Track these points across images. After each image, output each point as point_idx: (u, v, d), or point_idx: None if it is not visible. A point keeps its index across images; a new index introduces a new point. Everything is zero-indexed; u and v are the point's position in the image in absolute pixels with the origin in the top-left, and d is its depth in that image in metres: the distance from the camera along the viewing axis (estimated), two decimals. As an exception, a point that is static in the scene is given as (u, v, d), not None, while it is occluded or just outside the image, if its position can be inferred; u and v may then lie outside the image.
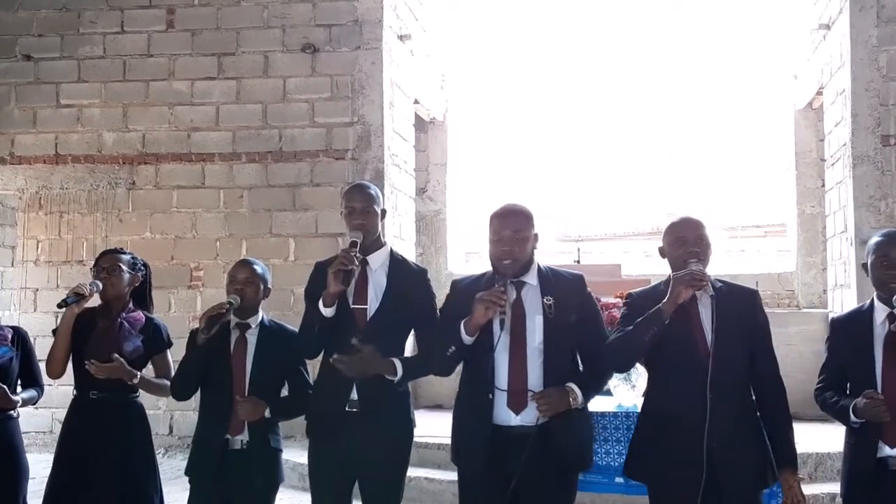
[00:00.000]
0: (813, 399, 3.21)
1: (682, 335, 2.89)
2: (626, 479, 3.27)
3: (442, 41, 9.42)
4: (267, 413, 3.24)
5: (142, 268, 3.75)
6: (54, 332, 3.59)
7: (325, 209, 7.12)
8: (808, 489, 3.84)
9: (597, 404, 3.86)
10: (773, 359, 3.00)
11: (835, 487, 4.93)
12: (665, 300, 2.85)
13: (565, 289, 2.99)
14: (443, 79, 9.45)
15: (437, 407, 6.33)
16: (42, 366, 3.64)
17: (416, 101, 8.49)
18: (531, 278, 2.98)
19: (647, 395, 3.12)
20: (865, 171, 6.59)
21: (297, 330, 3.31)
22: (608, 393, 4.03)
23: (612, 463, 3.82)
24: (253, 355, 3.32)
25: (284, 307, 5.98)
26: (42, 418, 6.90)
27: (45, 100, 7.60)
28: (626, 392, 4.01)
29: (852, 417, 2.96)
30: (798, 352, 6.84)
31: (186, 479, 3.38)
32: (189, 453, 3.47)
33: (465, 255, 9.87)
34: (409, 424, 3.26)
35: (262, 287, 3.39)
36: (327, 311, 3.09)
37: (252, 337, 3.35)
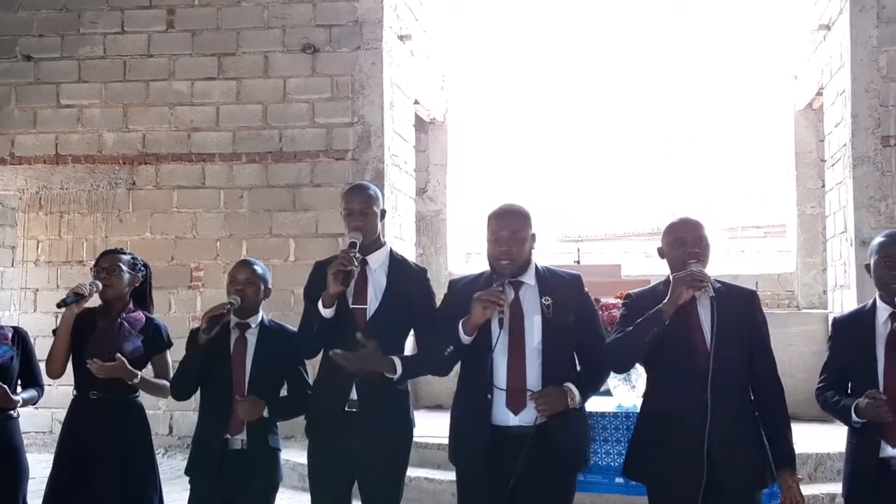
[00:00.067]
0: (813, 399, 3.22)
1: (682, 336, 2.89)
2: (625, 479, 3.27)
3: (442, 41, 9.42)
4: (265, 413, 3.24)
5: (142, 268, 3.75)
6: (54, 332, 3.59)
7: (326, 209, 7.12)
8: (807, 489, 3.85)
9: (597, 404, 3.87)
10: (772, 359, 3.01)
11: (834, 488, 4.94)
12: (665, 301, 2.85)
13: (563, 289, 2.99)
14: (443, 79, 9.45)
15: (437, 407, 6.32)
16: (42, 366, 3.64)
17: (416, 102, 8.49)
18: (529, 278, 2.98)
19: (646, 395, 3.12)
20: (865, 172, 6.59)
21: (296, 330, 3.32)
22: (608, 393, 4.03)
23: (612, 463, 3.81)
24: (253, 355, 3.32)
25: (285, 307, 5.98)
26: (42, 418, 6.90)
27: (46, 100, 7.60)
28: (625, 392, 4.00)
29: (854, 417, 2.97)
30: (798, 352, 6.85)
31: (186, 479, 3.39)
32: (189, 453, 3.47)
33: (465, 255, 9.87)
34: (409, 424, 3.26)
35: (262, 287, 3.39)
36: (326, 312, 3.09)
37: (252, 337, 3.35)
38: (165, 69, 7.51)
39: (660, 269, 3.19)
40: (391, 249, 3.35)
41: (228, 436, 3.25)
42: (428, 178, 9.33)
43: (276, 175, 7.36)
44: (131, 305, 3.66)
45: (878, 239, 3.14)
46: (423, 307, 3.22)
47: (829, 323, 6.74)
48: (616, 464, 3.78)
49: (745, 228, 12.98)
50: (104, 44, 7.57)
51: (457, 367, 3.04)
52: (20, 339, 3.65)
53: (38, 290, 7.47)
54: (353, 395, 3.11)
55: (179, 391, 3.46)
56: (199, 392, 3.41)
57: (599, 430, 3.86)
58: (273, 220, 7.34)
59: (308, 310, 3.21)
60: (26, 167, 7.59)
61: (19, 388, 3.62)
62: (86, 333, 3.55)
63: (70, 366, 3.58)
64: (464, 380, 3.04)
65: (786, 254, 9.18)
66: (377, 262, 3.24)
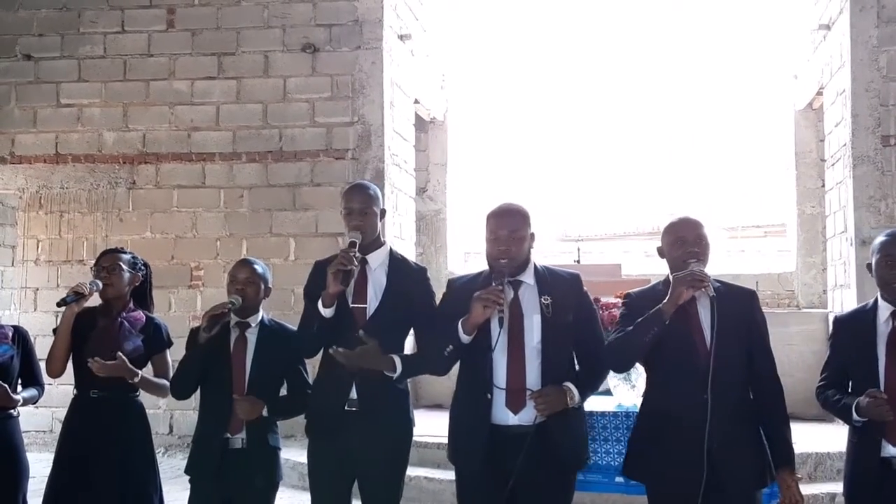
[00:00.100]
0: (813, 399, 3.22)
1: (682, 336, 2.89)
2: (626, 478, 3.27)
3: (442, 41, 9.42)
4: (265, 412, 3.25)
5: (142, 267, 3.75)
6: (55, 331, 3.59)
7: (326, 209, 7.12)
8: (807, 489, 3.85)
9: (597, 404, 3.87)
10: (771, 359, 3.01)
11: (834, 487, 4.94)
12: (666, 300, 2.86)
13: (562, 288, 2.99)
14: (443, 79, 9.45)
15: (437, 406, 6.32)
16: (42, 365, 3.65)
17: (417, 101, 8.49)
18: (528, 277, 2.99)
19: (646, 395, 3.12)
20: (865, 172, 6.59)
21: (296, 329, 3.32)
22: (608, 393, 4.03)
23: (612, 463, 3.81)
24: (253, 354, 3.32)
25: (285, 307, 5.99)
26: (42, 417, 6.91)
27: (46, 99, 7.60)
28: (625, 392, 4.00)
29: (855, 416, 2.97)
30: (798, 352, 6.86)
31: (186, 478, 3.39)
32: (189, 452, 3.47)
33: (465, 254, 9.87)
34: (409, 424, 3.26)
35: (262, 287, 3.39)
36: (326, 312, 3.09)
37: (252, 336, 3.35)
38: (165, 69, 7.51)
39: (660, 269, 3.19)
40: (391, 249, 3.35)
41: (229, 435, 3.25)
42: (428, 177, 9.33)
43: (276, 174, 7.36)
44: (131, 305, 3.67)
45: (881, 238, 3.14)
46: (422, 306, 3.22)
47: (829, 322, 6.75)
48: (616, 463, 3.78)
49: (745, 228, 12.98)
50: (104, 43, 7.57)
51: (455, 367, 3.04)
52: (20, 338, 3.66)
53: (38, 289, 7.48)
54: (353, 394, 3.11)
55: (179, 390, 3.46)
56: (199, 391, 3.41)
57: (599, 429, 3.86)
58: (273, 220, 7.34)
59: (308, 309, 3.21)
60: (26, 166, 7.60)
61: (20, 388, 3.62)
62: (86, 332, 3.55)
63: (70, 365, 3.58)
64: (463, 379, 3.04)
65: (786, 253, 9.18)
66: (377, 262, 3.24)
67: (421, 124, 9.02)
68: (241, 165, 7.40)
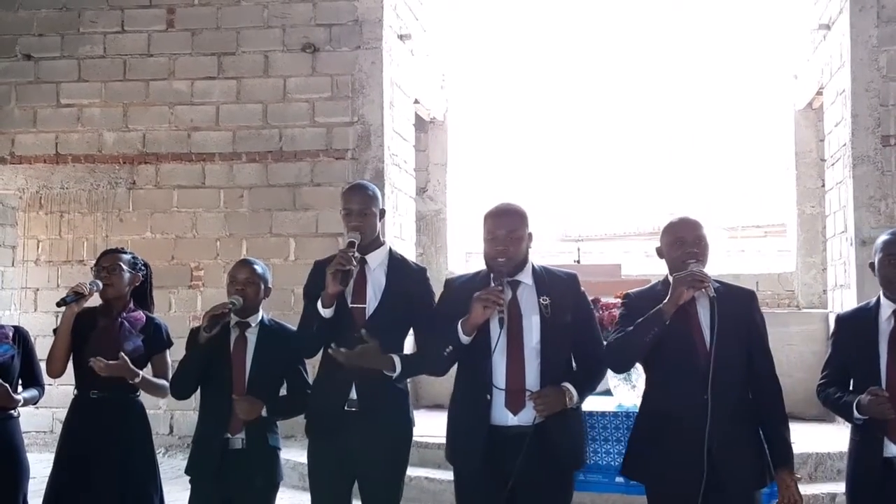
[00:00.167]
0: (813, 399, 3.22)
1: (681, 336, 2.89)
2: (625, 478, 3.27)
3: (442, 41, 9.42)
4: (265, 412, 3.25)
5: (142, 267, 3.75)
6: (55, 331, 3.59)
7: (326, 209, 7.13)
8: (808, 489, 3.85)
9: (597, 404, 3.87)
10: (770, 359, 3.01)
11: (835, 487, 4.94)
12: (666, 301, 2.86)
13: (561, 288, 2.99)
14: (443, 79, 9.45)
15: (437, 407, 6.32)
16: (43, 365, 3.65)
17: (416, 101, 8.49)
18: (526, 278, 2.98)
19: (646, 395, 3.12)
20: (865, 172, 6.59)
21: (296, 329, 3.32)
22: (608, 393, 4.03)
23: (612, 463, 3.81)
24: (252, 354, 3.32)
25: (285, 307, 5.99)
26: (42, 418, 6.91)
27: (46, 99, 7.60)
28: (625, 392, 4.00)
29: (856, 414, 2.97)
30: (798, 352, 6.86)
31: (187, 478, 3.39)
32: (189, 453, 3.47)
33: (465, 254, 9.87)
34: (409, 424, 3.26)
35: (262, 287, 3.39)
36: (326, 312, 3.09)
37: (252, 336, 3.36)
38: (165, 68, 7.51)
39: (660, 269, 3.19)
40: (390, 249, 3.35)
41: (229, 435, 3.25)
42: (428, 177, 9.33)
43: (276, 174, 7.36)
44: (132, 305, 3.67)
45: (884, 237, 3.15)
46: (422, 306, 3.21)
47: (829, 323, 6.75)
48: (616, 463, 3.78)
49: (745, 228, 12.99)
50: (104, 43, 7.57)
51: (453, 367, 3.04)
52: (21, 338, 3.65)
53: (38, 289, 7.48)
54: (353, 394, 3.11)
55: (179, 390, 3.46)
56: (199, 391, 3.41)
57: (599, 429, 3.86)
58: (273, 220, 7.34)
59: (307, 309, 3.21)
60: (26, 166, 7.60)
61: (20, 388, 3.62)
62: (86, 333, 3.55)
63: (70, 365, 3.58)
64: (461, 380, 3.04)
65: (786, 253, 9.18)
66: (376, 262, 3.24)
67: (421, 124, 9.02)
68: (241, 165, 7.40)
